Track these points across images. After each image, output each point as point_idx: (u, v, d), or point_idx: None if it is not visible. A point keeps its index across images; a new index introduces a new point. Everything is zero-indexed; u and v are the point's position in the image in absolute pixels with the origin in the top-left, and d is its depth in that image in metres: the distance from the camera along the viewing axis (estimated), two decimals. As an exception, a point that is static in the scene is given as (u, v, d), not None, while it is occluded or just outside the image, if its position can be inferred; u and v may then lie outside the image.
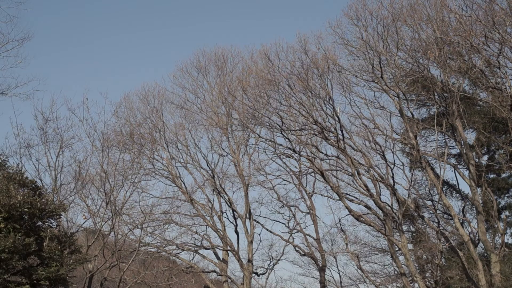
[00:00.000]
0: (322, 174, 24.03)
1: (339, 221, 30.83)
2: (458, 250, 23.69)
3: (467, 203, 28.41)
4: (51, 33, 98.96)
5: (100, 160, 24.66)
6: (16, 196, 16.76)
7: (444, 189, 29.77)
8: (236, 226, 30.56)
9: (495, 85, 20.44)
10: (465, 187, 44.68)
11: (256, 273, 31.91)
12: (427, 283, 29.21)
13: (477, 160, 27.03)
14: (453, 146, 28.83)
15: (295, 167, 30.39)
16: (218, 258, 30.38)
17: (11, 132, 51.77)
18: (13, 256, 16.15)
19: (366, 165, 24.18)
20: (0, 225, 16.20)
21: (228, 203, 30.35)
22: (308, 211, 32.65)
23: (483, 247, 25.41)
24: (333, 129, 23.12)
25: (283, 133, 23.96)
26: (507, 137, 25.45)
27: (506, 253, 23.86)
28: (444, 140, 29.06)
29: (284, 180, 30.77)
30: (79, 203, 25.26)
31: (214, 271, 31.37)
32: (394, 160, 25.29)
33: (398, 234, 24.63)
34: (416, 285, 26.24)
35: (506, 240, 26.21)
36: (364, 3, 23.02)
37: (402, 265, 26.41)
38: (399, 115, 24.64)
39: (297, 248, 32.22)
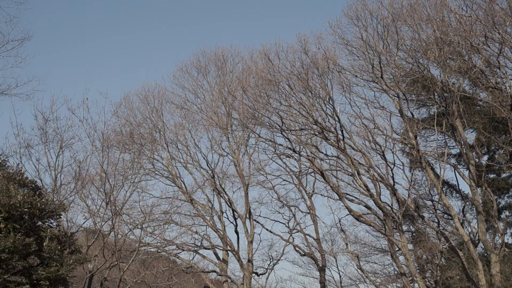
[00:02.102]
0: (322, 174, 24.03)
1: (339, 221, 30.86)
2: (458, 250, 23.70)
3: (467, 203, 28.41)
4: (51, 33, 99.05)
5: (100, 160, 24.68)
6: (16, 196, 16.76)
7: (444, 189, 29.77)
8: (236, 226, 30.59)
9: (495, 85, 20.44)
10: (465, 187, 44.70)
11: (256, 273, 31.92)
12: (427, 283, 29.21)
13: (477, 160, 27.03)
14: (453, 146, 28.85)
15: (295, 167, 30.43)
16: (218, 258, 30.39)
17: (11, 132, 51.82)
18: (13, 256, 16.15)
19: (366, 165, 24.18)
20: (0, 225, 16.20)
21: (228, 203, 30.37)
22: (308, 211, 32.67)
23: (483, 247, 25.43)
24: (333, 129, 23.13)
25: (283, 133, 23.98)
26: (507, 137, 25.44)
27: (506, 253, 23.87)
28: (444, 140, 29.08)
29: (284, 180, 30.80)
30: (79, 203, 25.31)
31: (214, 271, 31.38)
32: (394, 160, 25.32)
33: (398, 234, 24.62)
34: (416, 285, 26.24)
35: (506, 240, 26.22)
36: (364, 3, 23.05)
37: (402, 265, 26.41)
38: (399, 115, 24.65)
39: (297, 248, 32.25)
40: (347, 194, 25.43)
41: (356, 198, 25.36)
